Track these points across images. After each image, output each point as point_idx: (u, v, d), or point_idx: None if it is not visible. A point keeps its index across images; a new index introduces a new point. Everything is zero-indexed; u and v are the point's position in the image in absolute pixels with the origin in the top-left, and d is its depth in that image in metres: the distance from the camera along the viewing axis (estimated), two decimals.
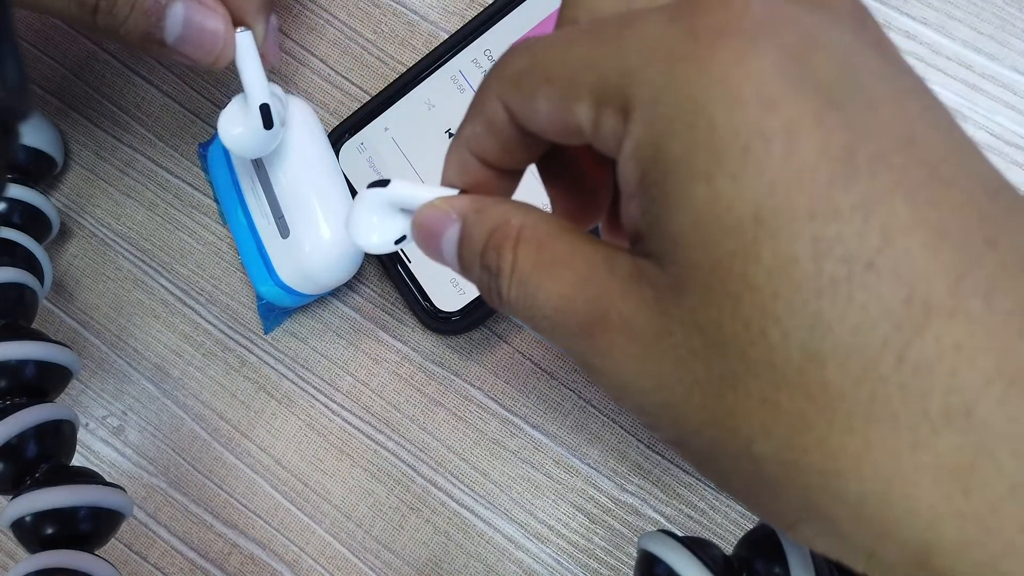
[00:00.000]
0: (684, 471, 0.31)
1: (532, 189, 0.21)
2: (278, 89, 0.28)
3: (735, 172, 0.13)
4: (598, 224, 0.21)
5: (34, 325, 0.30)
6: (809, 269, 0.13)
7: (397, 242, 0.20)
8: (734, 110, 0.13)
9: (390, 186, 0.19)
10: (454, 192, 0.19)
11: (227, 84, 0.34)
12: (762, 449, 0.13)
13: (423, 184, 0.19)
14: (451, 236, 0.18)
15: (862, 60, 0.14)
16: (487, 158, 0.18)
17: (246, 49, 0.26)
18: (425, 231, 0.18)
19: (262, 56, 0.27)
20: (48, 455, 0.26)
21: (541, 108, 0.16)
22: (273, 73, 0.34)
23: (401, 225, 0.20)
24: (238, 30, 0.26)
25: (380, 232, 0.20)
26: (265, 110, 0.26)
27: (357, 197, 0.20)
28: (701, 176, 0.13)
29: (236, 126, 0.27)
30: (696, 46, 0.14)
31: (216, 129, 0.27)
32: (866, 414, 0.12)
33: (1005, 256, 0.13)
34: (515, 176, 0.19)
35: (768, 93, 0.13)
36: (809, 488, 0.13)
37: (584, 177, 0.20)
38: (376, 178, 0.28)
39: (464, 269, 0.18)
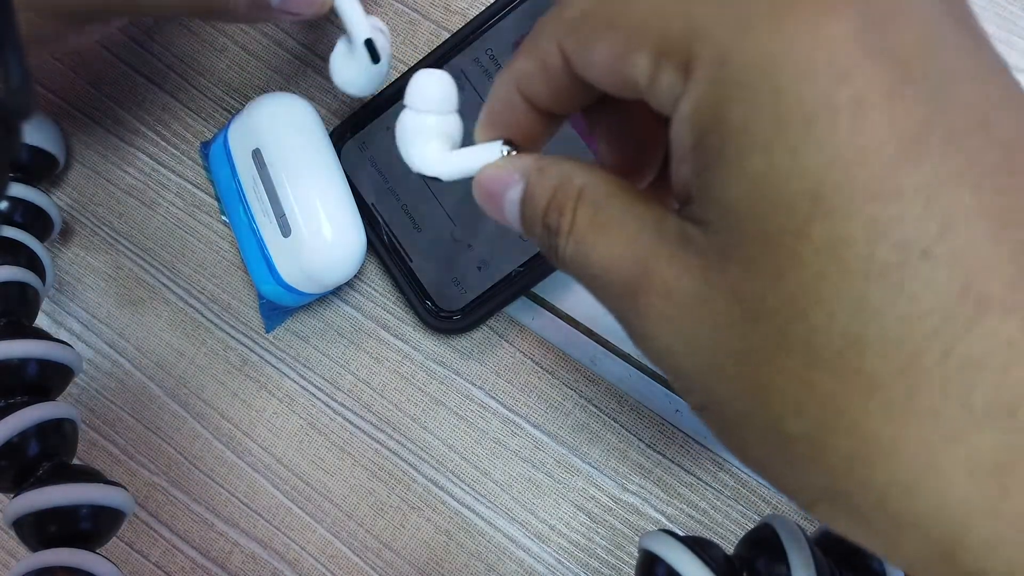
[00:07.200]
0: (685, 471, 0.31)
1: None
2: (377, 21, 0.28)
3: (795, 145, 0.12)
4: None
5: (36, 324, 0.30)
6: (861, 252, 0.12)
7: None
8: (802, 78, 0.12)
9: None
10: (498, 144, 0.19)
11: (228, 83, 0.34)
12: (792, 426, 0.13)
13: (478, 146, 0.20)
14: (513, 196, 0.18)
15: (943, 32, 0.13)
16: (534, 99, 0.18)
17: None
18: (487, 191, 0.18)
19: None
20: (50, 454, 0.26)
21: (598, 56, 0.15)
22: (276, 74, 0.34)
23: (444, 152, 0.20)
24: None
25: (426, 150, 0.20)
26: (370, 44, 0.27)
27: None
28: (760, 147, 0.13)
29: (346, 67, 0.28)
30: (771, 6, 0.13)
31: (218, 130, 0.27)
32: (903, 405, 0.12)
33: None
34: (559, 121, 0.19)
35: (841, 62, 0.12)
36: (835, 470, 0.13)
37: (637, 132, 0.19)
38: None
39: (526, 228, 0.18)
